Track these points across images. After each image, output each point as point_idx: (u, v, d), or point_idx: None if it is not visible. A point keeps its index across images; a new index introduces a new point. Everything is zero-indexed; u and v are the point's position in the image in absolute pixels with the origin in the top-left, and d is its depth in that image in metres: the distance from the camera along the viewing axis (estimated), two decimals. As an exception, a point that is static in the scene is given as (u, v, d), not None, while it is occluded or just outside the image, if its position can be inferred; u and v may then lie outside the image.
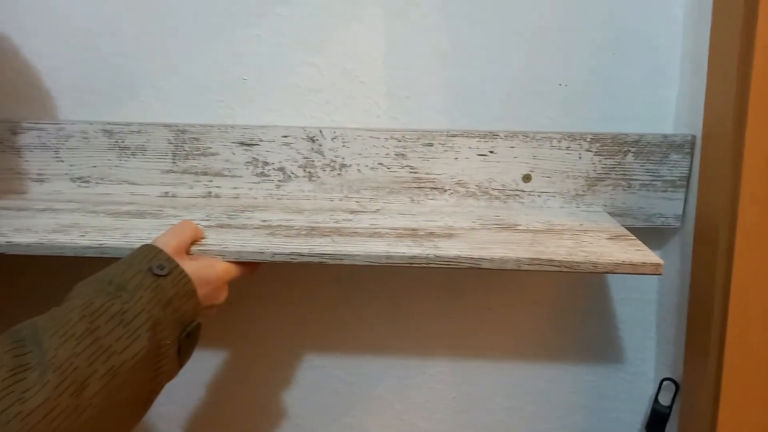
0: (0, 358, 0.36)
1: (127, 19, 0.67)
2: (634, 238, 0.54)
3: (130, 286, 0.43)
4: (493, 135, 0.64)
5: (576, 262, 0.48)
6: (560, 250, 0.50)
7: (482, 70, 0.66)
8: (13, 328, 0.39)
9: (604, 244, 0.52)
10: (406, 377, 0.75)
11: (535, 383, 0.75)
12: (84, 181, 0.68)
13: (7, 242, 0.50)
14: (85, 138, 0.67)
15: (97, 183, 0.68)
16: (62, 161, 0.68)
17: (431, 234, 0.55)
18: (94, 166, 0.68)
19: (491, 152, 0.65)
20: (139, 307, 0.42)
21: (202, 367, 0.77)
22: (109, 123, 0.67)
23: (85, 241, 0.50)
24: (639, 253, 0.50)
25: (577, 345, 0.73)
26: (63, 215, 0.59)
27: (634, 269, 0.48)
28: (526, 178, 0.65)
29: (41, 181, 0.69)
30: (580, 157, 0.64)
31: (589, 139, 0.63)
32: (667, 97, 0.64)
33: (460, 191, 0.66)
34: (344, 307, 0.74)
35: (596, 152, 0.63)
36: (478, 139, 0.64)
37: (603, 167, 0.64)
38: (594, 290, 0.71)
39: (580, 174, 0.64)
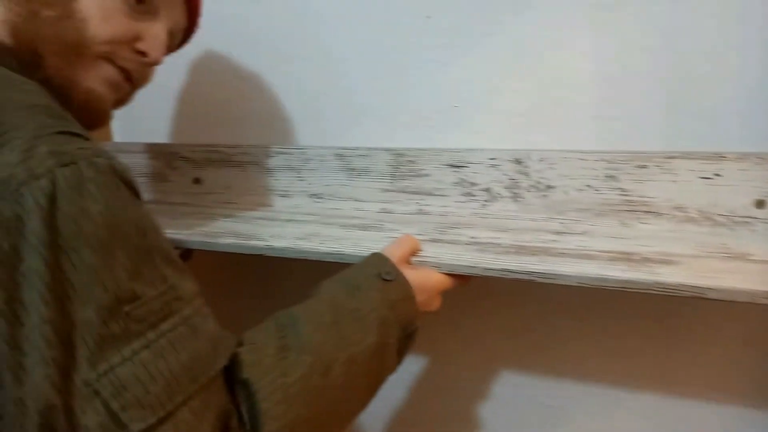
0: (268, 340, 0.44)
1: (354, 61, 0.77)
2: None
3: (364, 287, 0.50)
4: (720, 157, 0.60)
5: (829, 300, 0.43)
6: (807, 284, 0.45)
7: (704, 90, 0.61)
8: (275, 315, 0.48)
9: None
10: (606, 406, 0.72)
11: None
12: (319, 197, 0.80)
13: (266, 246, 0.61)
14: (321, 161, 0.78)
15: (329, 199, 0.79)
16: (303, 180, 0.80)
17: (646, 259, 0.53)
18: (328, 185, 0.79)
19: (717, 175, 0.60)
20: (371, 306, 0.48)
21: (407, 370, 0.83)
22: (340, 147, 0.77)
23: (325, 248, 0.59)
24: None
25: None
26: (304, 226, 0.69)
27: None
28: (760, 204, 0.59)
29: (286, 196, 0.82)
30: (833, 182, 0.56)
31: None
32: None
33: (678, 216, 0.62)
34: (545, 329, 0.74)
35: None
36: (701, 161, 0.60)
37: None
38: None
39: (832, 200, 0.56)
